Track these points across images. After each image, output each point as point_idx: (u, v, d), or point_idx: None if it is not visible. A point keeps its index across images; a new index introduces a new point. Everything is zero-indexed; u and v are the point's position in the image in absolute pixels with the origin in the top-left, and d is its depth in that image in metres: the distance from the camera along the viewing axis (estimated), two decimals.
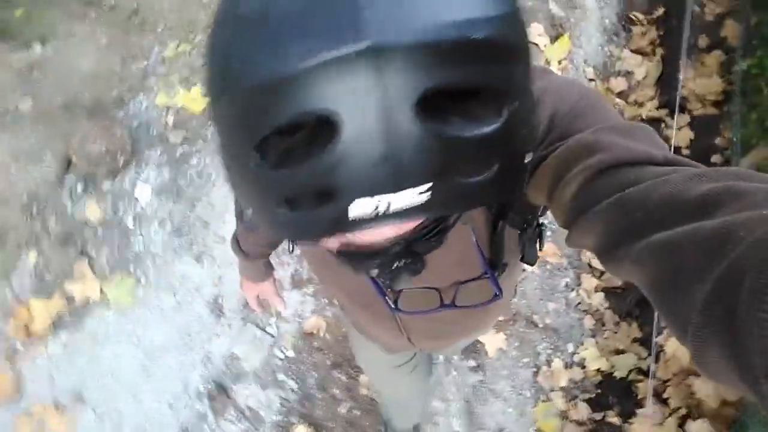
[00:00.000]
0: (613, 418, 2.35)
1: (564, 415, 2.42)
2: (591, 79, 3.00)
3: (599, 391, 2.47)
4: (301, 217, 0.47)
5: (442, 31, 0.40)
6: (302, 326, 2.40)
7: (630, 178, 0.50)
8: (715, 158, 2.65)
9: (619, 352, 2.49)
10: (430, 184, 0.44)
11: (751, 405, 2.03)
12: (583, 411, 2.40)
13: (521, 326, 2.56)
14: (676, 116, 2.73)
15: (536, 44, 2.89)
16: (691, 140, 2.76)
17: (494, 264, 0.83)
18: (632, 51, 3.06)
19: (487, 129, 0.44)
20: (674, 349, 2.32)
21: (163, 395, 2.21)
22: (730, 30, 2.83)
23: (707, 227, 0.39)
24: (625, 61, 3.04)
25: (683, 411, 2.22)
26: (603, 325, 2.59)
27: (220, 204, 2.50)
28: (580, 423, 2.39)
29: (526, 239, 0.81)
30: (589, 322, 2.59)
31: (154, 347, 2.26)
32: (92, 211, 2.35)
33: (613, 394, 2.45)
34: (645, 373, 2.37)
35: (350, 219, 0.45)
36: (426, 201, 0.45)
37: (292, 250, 1.14)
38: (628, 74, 3.03)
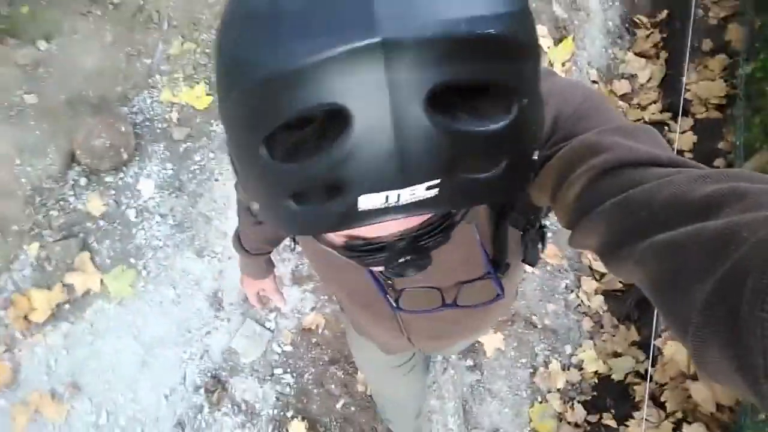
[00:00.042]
0: (610, 421, 2.35)
1: (560, 417, 2.41)
2: (594, 82, 3.00)
3: (596, 393, 2.47)
4: (309, 212, 0.47)
5: (453, 26, 0.40)
6: (301, 322, 2.41)
7: (634, 179, 0.50)
8: (718, 162, 2.64)
9: (616, 355, 2.49)
10: (438, 180, 0.44)
11: (747, 409, 2.02)
12: (579, 413, 2.39)
13: (520, 327, 2.56)
14: (679, 119, 2.72)
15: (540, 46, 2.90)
16: (694, 144, 2.76)
17: (497, 263, 0.83)
18: (636, 54, 3.07)
19: (496, 125, 0.44)
20: (672, 352, 2.31)
21: (160, 387, 2.23)
22: (734, 33, 2.83)
23: (711, 228, 0.39)
24: (628, 64, 3.04)
25: (679, 415, 2.21)
26: (601, 327, 2.58)
27: (222, 200, 2.52)
28: (576, 425, 2.38)
29: (528, 240, 0.81)
30: (587, 324, 2.59)
31: (152, 339, 2.28)
32: (95, 204, 2.37)
33: (610, 396, 2.44)
34: (642, 377, 2.36)
35: (359, 212, 0.45)
36: (434, 196, 0.45)
37: (294, 248, 1.15)
38: (631, 77, 3.03)
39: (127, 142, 2.43)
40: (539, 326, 2.56)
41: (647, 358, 2.35)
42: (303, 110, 0.41)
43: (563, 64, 2.94)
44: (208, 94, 2.63)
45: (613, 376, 2.44)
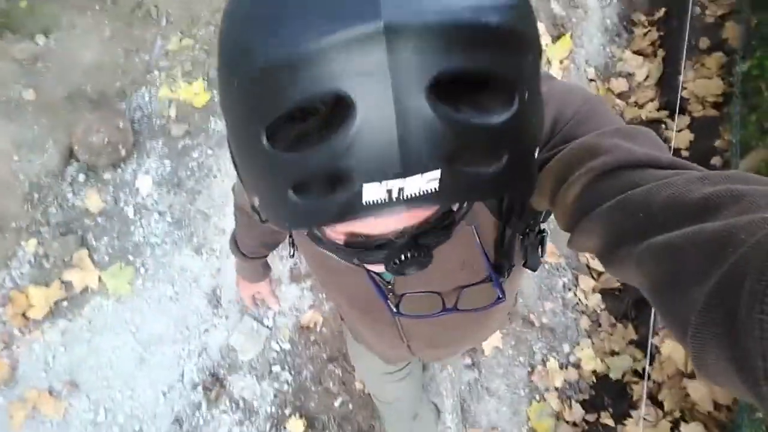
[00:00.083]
0: (607, 420, 2.35)
1: (558, 416, 2.42)
2: (592, 80, 3.00)
3: (593, 392, 2.47)
4: (311, 203, 0.47)
5: (456, 14, 0.40)
6: (299, 320, 2.41)
7: (633, 181, 0.50)
8: (715, 160, 2.64)
9: (614, 353, 2.49)
10: (439, 171, 0.44)
11: (744, 408, 2.02)
12: (577, 412, 2.40)
13: (518, 325, 2.56)
14: (676, 118, 2.73)
15: None
16: (690, 142, 2.76)
17: (499, 267, 0.83)
18: (633, 52, 3.07)
19: (497, 118, 0.44)
20: (669, 351, 2.32)
21: (158, 384, 2.23)
22: (731, 32, 2.84)
23: (708, 230, 0.40)
24: (626, 62, 3.05)
25: (677, 413, 2.22)
26: (599, 326, 2.59)
27: (220, 197, 2.51)
28: (574, 424, 2.39)
29: (528, 244, 0.81)
30: (585, 322, 2.59)
31: (151, 337, 2.27)
32: (93, 200, 2.36)
33: (608, 395, 2.45)
34: (640, 375, 2.37)
35: (360, 204, 0.45)
36: (436, 189, 0.45)
37: (293, 255, 1.14)
38: (628, 75, 3.04)
39: (126, 138, 2.42)
40: (537, 325, 2.57)
41: (645, 356, 2.36)
42: (306, 97, 0.41)
43: (561, 62, 2.95)
44: (206, 91, 2.62)
45: (610, 375, 2.45)
